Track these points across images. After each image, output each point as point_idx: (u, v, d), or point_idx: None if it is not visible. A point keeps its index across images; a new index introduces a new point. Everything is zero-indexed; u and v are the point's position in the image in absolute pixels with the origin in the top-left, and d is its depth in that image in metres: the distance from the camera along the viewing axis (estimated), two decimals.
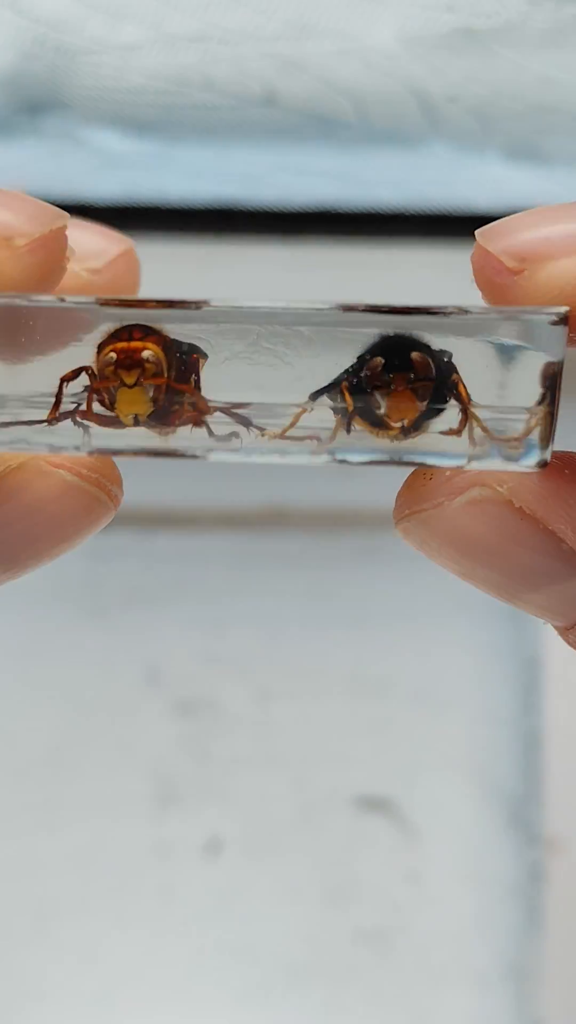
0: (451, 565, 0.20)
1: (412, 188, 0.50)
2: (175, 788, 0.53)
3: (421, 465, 0.19)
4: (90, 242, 0.22)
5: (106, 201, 0.50)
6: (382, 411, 0.19)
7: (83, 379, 0.19)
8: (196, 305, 0.18)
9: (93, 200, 0.49)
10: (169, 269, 0.20)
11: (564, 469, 0.19)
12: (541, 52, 0.41)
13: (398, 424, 0.19)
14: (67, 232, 0.19)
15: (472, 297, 0.19)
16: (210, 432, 0.19)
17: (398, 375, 0.19)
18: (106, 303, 0.18)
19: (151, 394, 0.19)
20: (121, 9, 0.41)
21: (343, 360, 0.19)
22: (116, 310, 0.18)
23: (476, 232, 0.19)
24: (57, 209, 0.19)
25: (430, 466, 0.19)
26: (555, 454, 0.19)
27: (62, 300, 0.18)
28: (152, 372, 0.19)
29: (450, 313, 0.18)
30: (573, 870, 0.50)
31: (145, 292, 0.21)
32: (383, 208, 0.51)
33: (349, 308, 0.18)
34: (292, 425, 0.19)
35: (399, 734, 0.53)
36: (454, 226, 0.51)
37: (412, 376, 0.19)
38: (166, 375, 0.19)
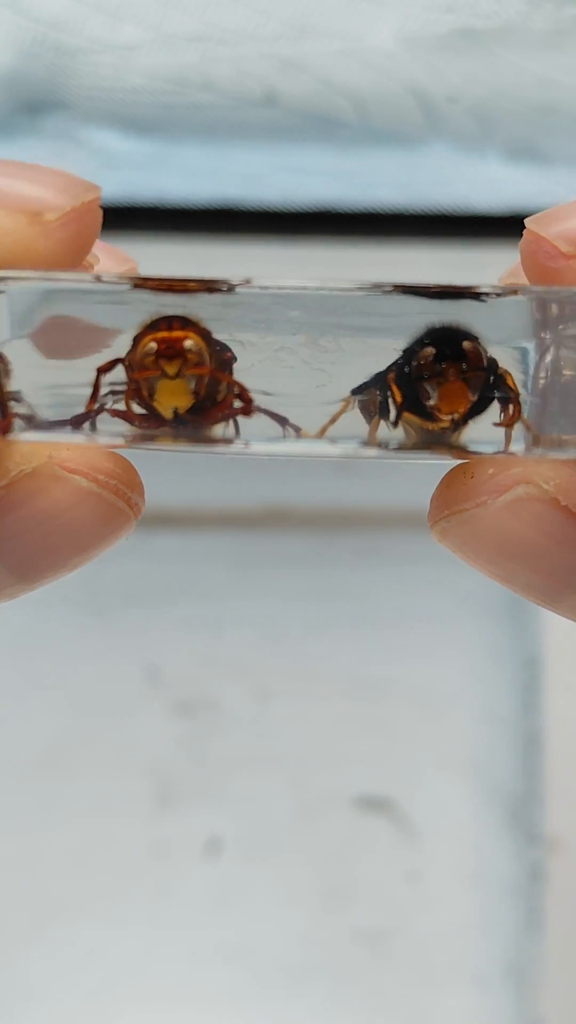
0: (490, 568, 0.19)
1: (412, 188, 0.50)
2: (174, 788, 0.53)
3: (475, 454, 0.18)
4: (37, 191, 0.20)
5: (106, 201, 0.50)
6: (432, 402, 0.18)
7: (119, 372, 0.18)
8: (232, 285, 0.18)
9: None
10: (169, 269, 0.19)
11: None
12: (541, 53, 0.41)
13: (448, 416, 0.18)
14: (100, 204, 0.18)
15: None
16: (237, 430, 0.18)
17: (450, 365, 0.18)
18: (140, 283, 0.18)
19: (193, 386, 0.18)
20: (121, 9, 0.41)
21: (379, 357, 0.18)
22: (150, 294, 0.18)
23: (527, 220, 0.18)
24: (88, 182, 0.18)
25: (477, 454, 0.18)
26: None
27: (98, 279, 0.18)
28: (194, 362, 0.18)
29: (497, 294, 0.18)
30: (573, 870, 0.50)
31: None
32: (383, 208, 0.51)
33: (399, 287, 0.18)
34: (332, 422, 0.18)
35: (399, 734, 0.53)
36: (454, 226, 0.51)
37: (464, 366, 0.18)
38: (208, 366, 0.18)
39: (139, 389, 0.18)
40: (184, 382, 0.18)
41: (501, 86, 0.43)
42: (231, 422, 0.19)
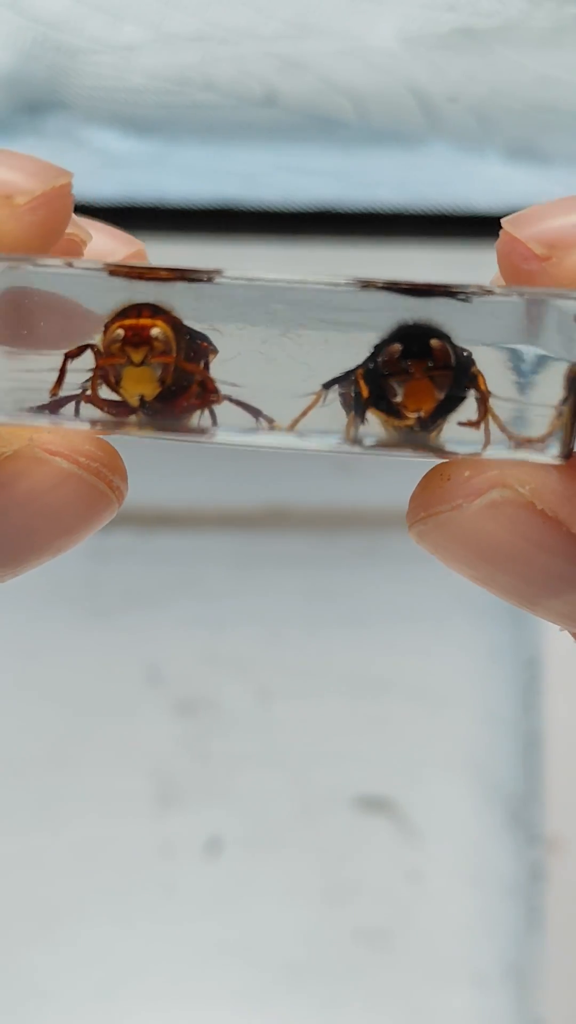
0: (467, 570, 0.19)
1: (412, 188, 0.50)
2: (176, 787, 0.53)
3: (438, 451, 0.18)
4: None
5: (106, 201, 0.50)
6: (399, 399, 0.18)
7: (88, 359, 0.18)
8: (209, 276, 0.18)
9: (93, 200, 0.49)
10: None
11: None
12: (541, 52, 0.41)
13: (414, 414, 0.18)
14: (71, 191, 0.18)
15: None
16: (214, 420, 0.18)
17: (416, 362, 0.18)
18: (115, 271, 0.18)
19: (159, 374, 0.18)
20: (121, 9, 0.41)
21: (357, 352, 0.18)
22: (125, 281, 0.18)
23: (503, 220, 0.18)
24: (59, 167, 0.18)
25: (448, 452, 0.18)
26: None
27: (69, 265, 0.18)
28: (160, 351, 0.18)
29: (472, 293, 0.18)
30: (573, 870, 0.50)
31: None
32: (383, 208, 0.51)
33: (367, 284, 0.18)
34: (303, 415, 0.18)
35: (399, 734, 0.53)
36: (454, 226, 0.51)
37: (430, 364, 0.18)
38: (175, 355, 0.18)
39: (106, 376, 0.18)
40: (150, 370, 0.18)
41: (501, 85, 0.43)
42: (207, 412, 0.19)
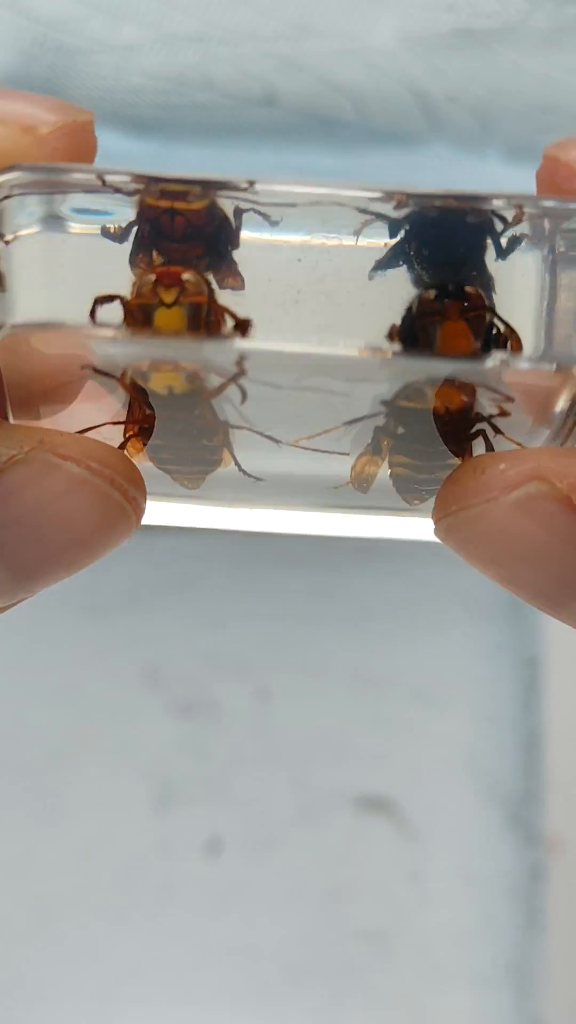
0: (494, 569, 0.18)
1: None
2: (175, 788, 0.53)
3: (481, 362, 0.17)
4: (30, 109, 0.19)
5: None
6: (435, 344, 0.17)
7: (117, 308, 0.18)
8: (245, 184, 0.18)
9: None
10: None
11: None
12: (541, 52, 0.41)
13: (441, 404, 0.18)
14: (93, 128, 0.18)
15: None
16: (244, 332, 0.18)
17: (452, 302, 0.17)
18: (144, 180, 0.17)
19: (189, 315, 0.18)
20: (121, 9, 0.41)
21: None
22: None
23: (546, 146, 0.18)
24: (82, 108, 0.18)
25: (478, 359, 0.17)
26: None
27: (100, 177, 0.17)
28: (193, 292, 0.18)
29: (502, 204, 0.17)
30: (573, 870, 0.50)
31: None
32: None
33: (404, 195, 0.18)
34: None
35: (399, 733, 0.53)
36: None
37: (466, 304, 0.17)
38: (207, 295, 0.18)
39: (135, 316, 0.18)
40: (181, 310, 0.18)
41: (502, 85, 0.43)
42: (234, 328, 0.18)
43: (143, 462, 0.20)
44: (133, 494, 0.18)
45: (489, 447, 0.19)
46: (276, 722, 0.54)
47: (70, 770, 0.53)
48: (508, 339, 0.18)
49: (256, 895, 0.51)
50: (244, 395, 0.18)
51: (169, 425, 0.19)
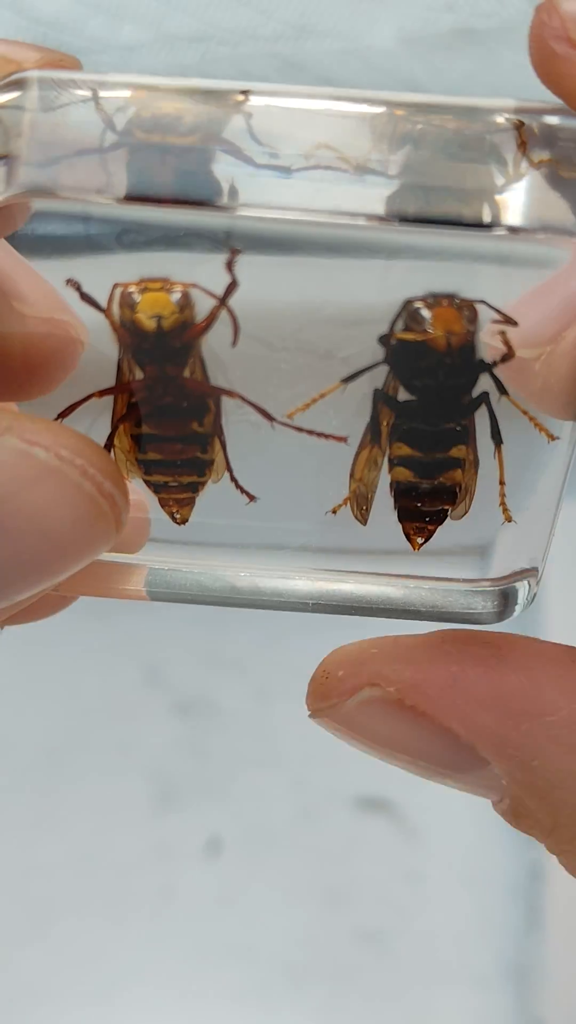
0: (367, 753, 0.20)
1: None
2: (175, 788, 0.53)
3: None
4: (13, 48, 0.19)
5: None
6: (426, 323, 0.18)
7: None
8: (239, 98, 0.17)
9: None
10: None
11: (451, 665, 0.19)
12: None
13: (443, 334, 0.18)
14: (79, 68, 0.18)
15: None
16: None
17: (444, 296, 0.18)
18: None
19: (177, 300, 0.18)
20: (121, 9, 0.41)
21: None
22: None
23: (539, 3, 0.16)
24: (67, 54, 0.18)
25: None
26: (442, 635, 0.19)
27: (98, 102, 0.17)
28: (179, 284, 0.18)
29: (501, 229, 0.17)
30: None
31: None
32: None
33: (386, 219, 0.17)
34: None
35: None
36: None
37: (457, 300, 0.18)
38: (194, 283, 0.18)
39: (123, 300, 0.18)
40: (167, 295, 0.18)
41: (501, 86, 0.43)
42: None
43: (131, 474, 0.20)
44: (109, 490, 0.17)
45: (493, 421, 0.19)
46: (276, 722, 0.54)
47: (70, 770, 0.53)
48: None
49: (256, 895, 0.51)
50: (236, 331, 0.18)
51: (157, 393, 0.19)
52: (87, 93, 0.17)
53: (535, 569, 0.20)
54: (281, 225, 0.17)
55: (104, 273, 0.18)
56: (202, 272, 0.18)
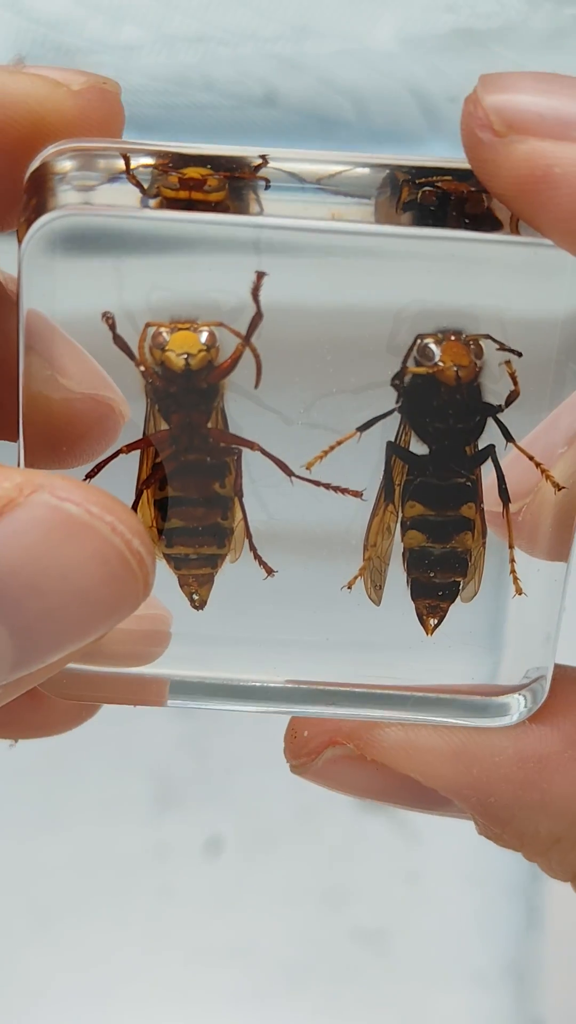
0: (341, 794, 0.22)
1: None
2: (175, 788, 0.53)
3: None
4: (60, 72, 0.20)
5: None
6: (436, 358, 0.19)
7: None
8: (256, 161, 0.18)
9: None
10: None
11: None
12: (541, 52, 0.41)
13: (452, 367, 0.19)
14: (119, 96, 0.19)
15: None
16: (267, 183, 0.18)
17: (452, 331, 0.19)
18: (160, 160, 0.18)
19: (204, 340, 0.19)
20: (121, 9, 0.41)
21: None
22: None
23: (481, 75, 0.17)
24: (108, 78, 0.20)
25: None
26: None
27: (124, 157, 0.18)
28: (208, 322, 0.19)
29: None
30: None
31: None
32: None
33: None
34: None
35: None
36: None
37: (465, 335, 0.19)
38: (220, 321, 0.18)
39: (154, 341, 0.19)
40: (195, 334, 0.19)
41: None
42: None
43: (155, 547, 0.20)
44: (138, 548, 0.17)
45: (499, 472, 0.20)
46: (276, 722, 0.54)
47: (70, 770, 0.53)
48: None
49: (256, 895, 0.51)
50: (259, 370, 0.19)
51: (183, 446, 0.19)
52: (119, 163, 0.18)
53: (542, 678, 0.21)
54: (307, 236, 0.18)
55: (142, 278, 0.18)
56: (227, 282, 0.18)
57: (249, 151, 0.18)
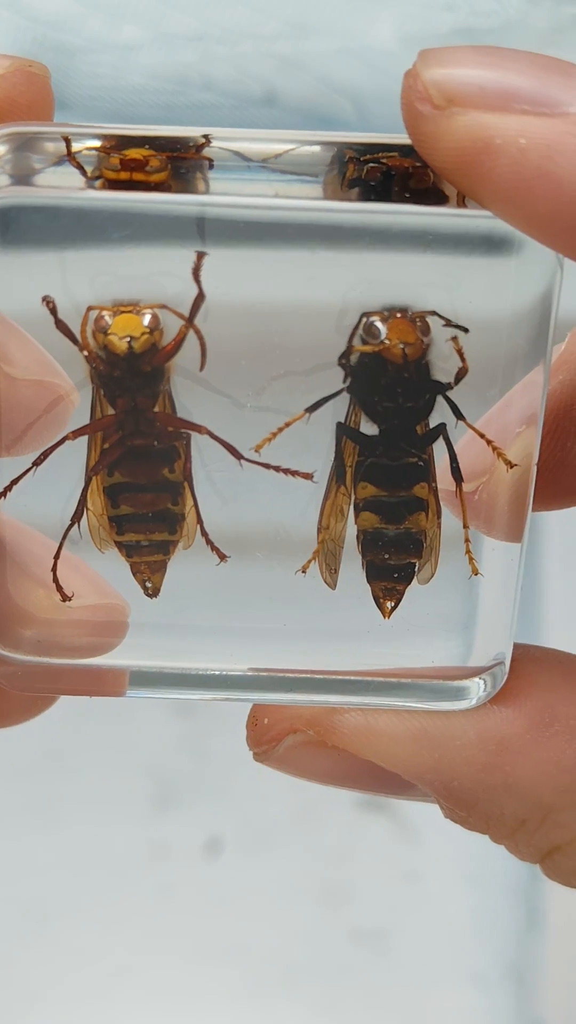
0: (305, 780, 0.22)
1: None
2: (174, 788, 0.53)
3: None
4: None
5: None
6: (382, 336, 0.18)
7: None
8: (200, 141, 0.18)
9: None
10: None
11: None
12: (540, 51, 0.41)
13: (399, 345, 0.19)
14: (48, 79, 0.19)
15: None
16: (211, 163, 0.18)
17: (397, 308, 0.19)
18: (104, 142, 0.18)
19: (147, 322, 0.18)
20: (121, 9, 0.41)
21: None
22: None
23: (420, 51, 0.17)
24: (35, 61, 0.19)
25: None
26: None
27: (66, 140, 0.18)
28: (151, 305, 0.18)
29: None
30: None
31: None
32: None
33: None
34: None
35: None
36: None
37: (411, 312, 0.18)
38: (163, 304, 0.18)
39: (97, 323, 0.18)
40: (138, 317, 0.18)
41: None
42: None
43: (105, 544, 0.20)
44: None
45: (451, 451, 0.19)
46: None
47: (69, 769, 0.53)
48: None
49: (255, 895, 0.51)
50: (203, 352, 0.18)
51: (129, 431, 0.19)
52: (60, 147, 0.18)
53: (501, 663, 0.21)
54: (251, 214, 0.18)
55: (87, 266, 0.18)
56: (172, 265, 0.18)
57: (192, 131, 0.18)
